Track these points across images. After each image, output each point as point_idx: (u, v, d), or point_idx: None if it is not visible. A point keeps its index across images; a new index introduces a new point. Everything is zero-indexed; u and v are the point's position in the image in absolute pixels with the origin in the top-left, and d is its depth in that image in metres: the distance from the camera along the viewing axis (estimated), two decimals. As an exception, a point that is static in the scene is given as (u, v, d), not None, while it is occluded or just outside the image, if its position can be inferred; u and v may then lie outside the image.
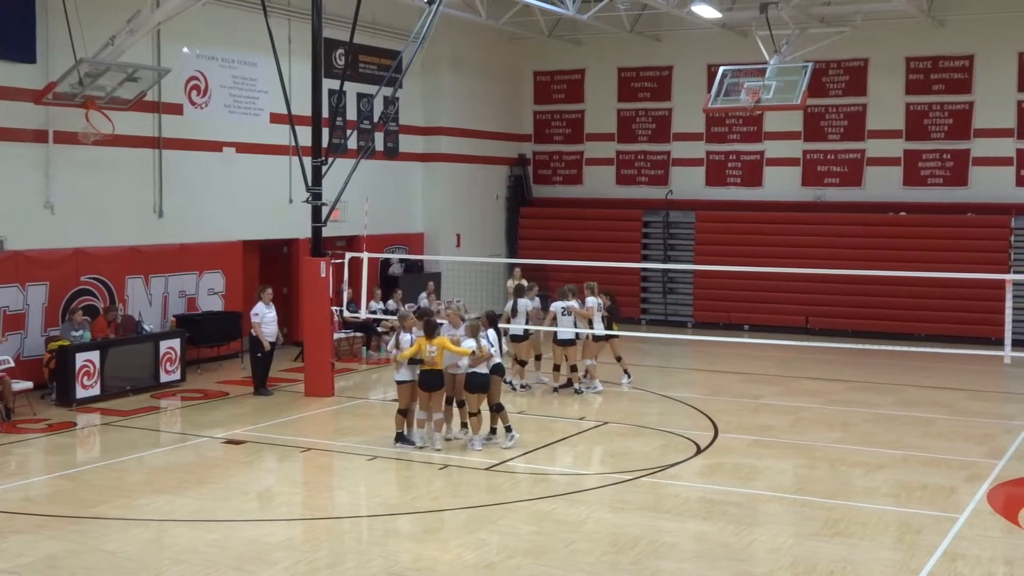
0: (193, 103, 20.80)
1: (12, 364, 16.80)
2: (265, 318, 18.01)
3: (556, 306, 17.91)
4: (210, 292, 21.00)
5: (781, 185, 27.16)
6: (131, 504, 11.85)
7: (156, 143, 20.04)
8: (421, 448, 14.20)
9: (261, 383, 18.13)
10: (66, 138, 18.13)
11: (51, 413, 16.48)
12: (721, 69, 21.86)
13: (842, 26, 23.80)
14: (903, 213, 25.63)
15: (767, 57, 21.74)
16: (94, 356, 17.22)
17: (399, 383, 14.30)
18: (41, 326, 17.88)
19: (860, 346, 18.44)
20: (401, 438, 14.33)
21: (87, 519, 11.25)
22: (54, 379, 17.20)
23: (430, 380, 14.02)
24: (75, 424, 15.95)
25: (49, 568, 9.79)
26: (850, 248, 25.01)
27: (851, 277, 22.63)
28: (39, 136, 18.03)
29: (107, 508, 11.64)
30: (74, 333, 17.20)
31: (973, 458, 14.18)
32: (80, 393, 16.93)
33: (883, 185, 26.05)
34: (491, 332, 14.52)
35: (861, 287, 24.53)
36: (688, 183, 28.06)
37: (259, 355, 18.09)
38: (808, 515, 11.59)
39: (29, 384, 16.70)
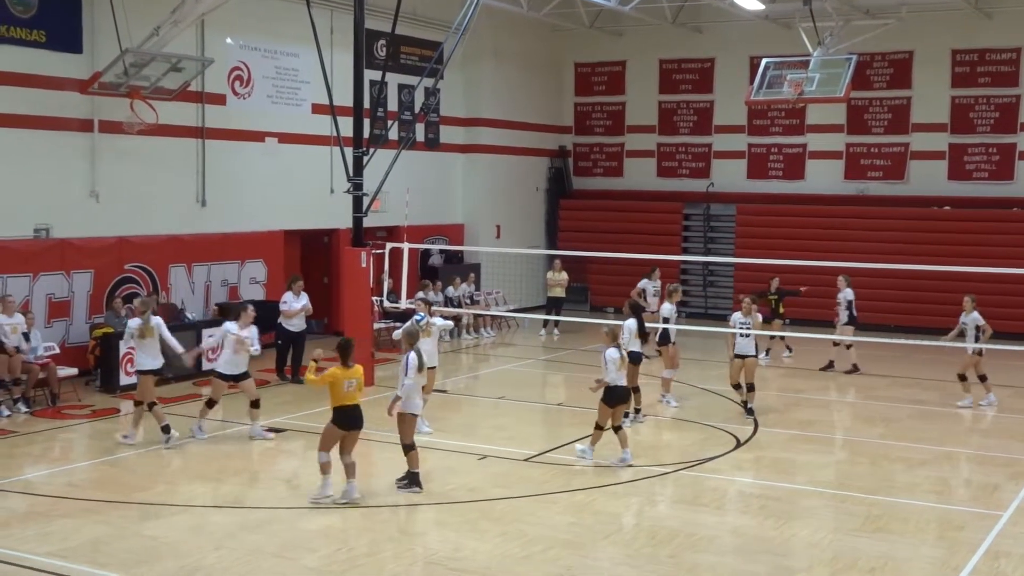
0: (236, 93, 20.95)
1: (58, 351, 17.04)
2: (293, 306, 18.34)
3: (735, 318, 16.69)
4: (252, 281, 21.16)
5: (823, 178, 26.94)
6: (173, 490, 11.99)
7: (199, 133, 20.22)
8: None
9: (281, 369, 18.54)
10: (111, 127, 18.34)
11: (95, 399, 16.70)
12: (764, 61, 21.69)
13: (887, 18, 23.56)
14: (948, 207, 25.34)
15: (810, 49, 21.54)
16: (138, 343, 17.37)
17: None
18: (86, 313, 18.10)
19: (903, 341, 18.27)
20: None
21: (130, 504, 11.38)
22: (98, 366, 17.43)
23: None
24: (118, 410, 16.12)
25: (94, 552, 9.92)
26: (894, 243, 24.77)
27: (895, 272, 22.37)
28: (85, 125, 18.24)
29: (150, 494, 11.77)
30: (126, 321, 17.40)
31: (1017, 455, 14.02)
32: (124, 380, 17.10)
33: (927, 179, 25.78)
34: (631, 322, 14.84)
35: (905, 282, 24.27)
36: (729, 176, 27.91)
37: (279, 342, 18.54)
38: (849, 510, 11.51)
39: (74, 370, 16.94)
